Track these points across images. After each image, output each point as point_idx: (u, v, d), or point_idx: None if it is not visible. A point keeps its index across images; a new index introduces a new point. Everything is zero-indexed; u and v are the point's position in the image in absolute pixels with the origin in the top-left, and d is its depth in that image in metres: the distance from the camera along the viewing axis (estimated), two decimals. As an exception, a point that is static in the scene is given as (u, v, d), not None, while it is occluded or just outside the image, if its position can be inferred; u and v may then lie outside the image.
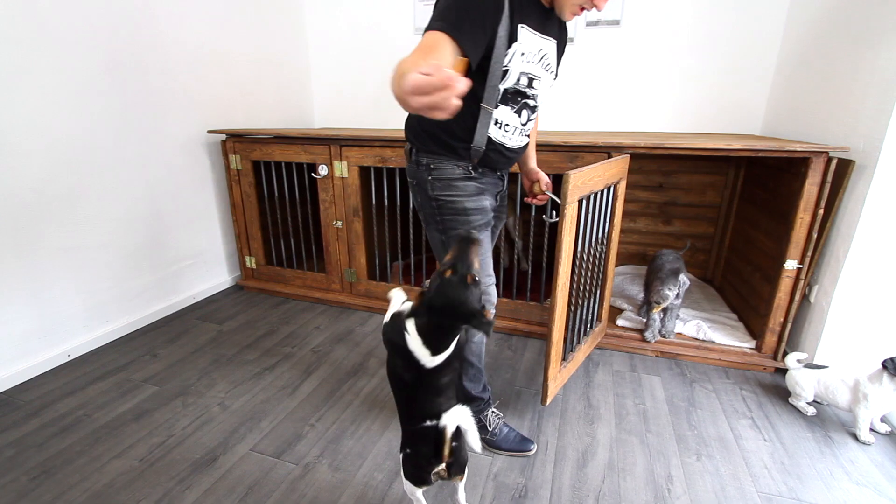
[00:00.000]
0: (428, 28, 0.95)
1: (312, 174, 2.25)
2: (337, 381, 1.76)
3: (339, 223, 2.27)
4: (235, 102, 2.54)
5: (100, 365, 1.84)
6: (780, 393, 1.70)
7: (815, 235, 1.64)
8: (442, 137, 1.16)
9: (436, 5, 1.01)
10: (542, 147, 1.84)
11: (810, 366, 1.61)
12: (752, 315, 1.95)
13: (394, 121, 3.02)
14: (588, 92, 2.61)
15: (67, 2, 1.73)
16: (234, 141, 2.34)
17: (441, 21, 0.95)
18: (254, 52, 2.62)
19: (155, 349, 1.97)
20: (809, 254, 1.66)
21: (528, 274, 2.10)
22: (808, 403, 1.60)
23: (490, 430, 1.41)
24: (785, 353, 1.75)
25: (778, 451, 1.42)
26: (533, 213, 2.01)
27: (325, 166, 2.20)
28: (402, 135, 2.05)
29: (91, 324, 1.95)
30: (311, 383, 1.74)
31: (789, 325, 1.76)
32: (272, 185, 2.42)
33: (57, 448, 1.40)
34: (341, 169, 2.17)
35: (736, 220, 2.34)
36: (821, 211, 1.61)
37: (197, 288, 2.44)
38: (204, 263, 2.47)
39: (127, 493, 1.24)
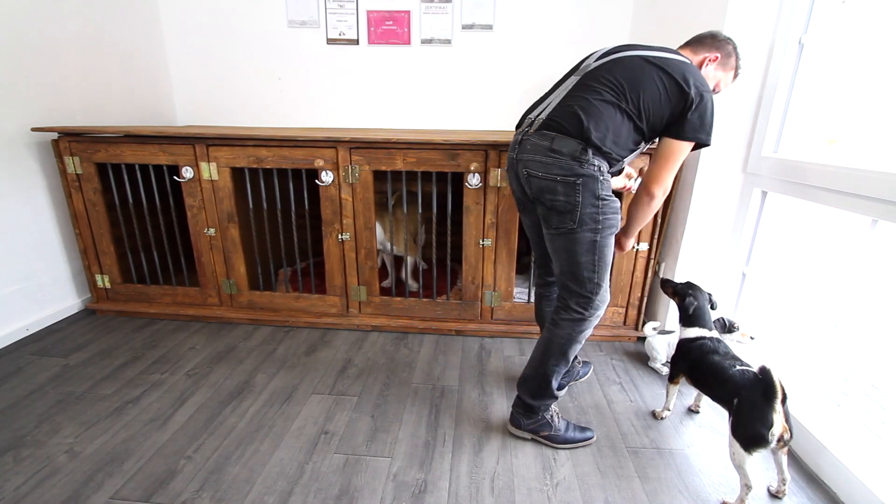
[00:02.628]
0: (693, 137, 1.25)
1: (175, 177, 2.01)
2: (217, 404, 1.60)
3: (212, 231, 2.06)
4: (68, 96, 2.16)
5: None
6: (641, 358, 1.95)
7: (660, 221, 1.90)
8: (616, 150, 1.26)
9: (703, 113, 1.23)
10: (424, 146, 1.87)
11: (662, 332, 1.88)
12: (617, 293, 2.20)
13: (268, 119, 2.84)
14: (466, 93, 2.71)
15: None
16: (70, 140, 1.99)
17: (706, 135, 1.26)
18: (89, 38, 2.25)
19: (-29, 397, 1.60)
20: (656, 236, 1.92)
21: (421, 271, 2.13)
22: (662, 364, 1.86)
23: (553, 425, 1.44)
24: (643, 324, 2.01)
25: (641, 409, 1.62)
26: (420, 211, 2.04)
27: (189, 168, 1.97)
28: (279, 133, 1.95)
29: None
30: (186, 411, 1.56)
31: (645, 299, 2.02)
32: (124, 191, 2.10)
33: None
34: (210, 171, 1.97)
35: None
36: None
37: (31, 317, 2.03)
38: (38, 288, 2.06)
39: (-68, 583, 0.99)
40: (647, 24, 2.29)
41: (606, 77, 1.24)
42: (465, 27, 2.64)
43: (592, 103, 1.22)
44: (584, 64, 1.33)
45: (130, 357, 1.87)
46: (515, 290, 2.14)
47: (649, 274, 1.97)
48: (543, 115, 1.30)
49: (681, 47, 1.39)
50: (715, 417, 1.58)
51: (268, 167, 1.96)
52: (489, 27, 2.63)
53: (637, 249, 1.95)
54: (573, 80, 1.31)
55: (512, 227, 1.96)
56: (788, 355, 1.99)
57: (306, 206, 2.07)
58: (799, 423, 1.41)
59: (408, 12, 2.64)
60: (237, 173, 2.02)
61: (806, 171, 1.46)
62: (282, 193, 2.10)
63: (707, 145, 1.26)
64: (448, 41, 2.67)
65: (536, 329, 2.09)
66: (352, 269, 2.07)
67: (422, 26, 2.65)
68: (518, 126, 1.42)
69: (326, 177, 1.93)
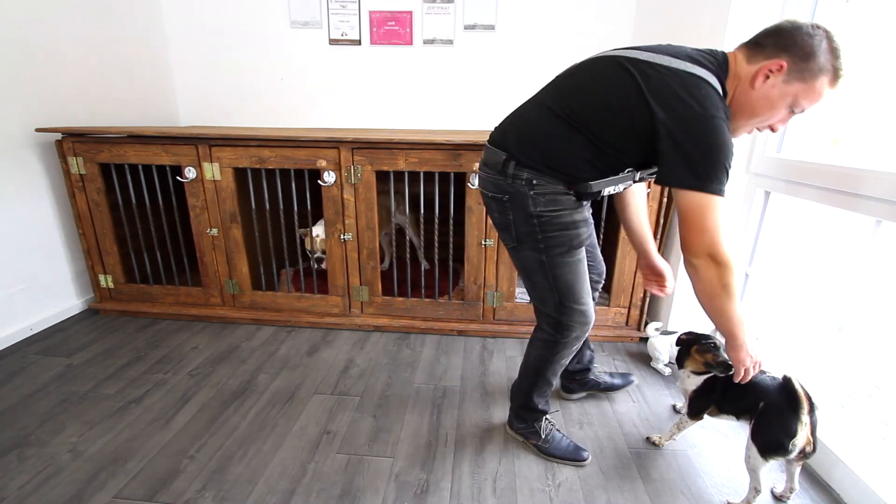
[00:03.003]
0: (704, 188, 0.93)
1: (178, 178, 2.01)
2: (220, 404, 1.60)
3: (215, 231, 2.06)
4: (72, 97, 2.17)
5: None
6: (644, 359, 1.95)
7: (661, 221, 1.90)
8: (563, 169, 1.05)
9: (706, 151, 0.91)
10: (426, 146, 1.87)
11: (665, 332, 1.87)
12: (619, 293, 2.20)
13: (270, 119, 2.84)
14: (468, 93, 2.71)
15: None
16: (74, 141, 2.00)
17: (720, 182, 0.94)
18: (93, 39, 2.26)
19: (-25, 396, 1.61)
20: (659, 237, 1.92)
21: (423, 271, 2.13)
22: (664, 365, 1.85)
23: (543, 436, 1.38)
24: (646, 324, 2.00)
25: (644, 411, 1.62)
26: (422, 212, 2.04)
27: (192, 168, 1.98)
28: (282, 134, 1.95)
29: None
30: (188, 411, 1.56)
31: (648, 300, 2.02)
32: (128, 192, 2.11)
33: None
34: (213, 171, 1.98)
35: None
36: (665, 199, 1.87)
37: (35, 317, 2.04)
38: (42, 287, 2.07)
39: (-64, 581, 0.99)
40: (650, 24, 2.29)
41: (560, 80, 1.09)
42: (467, 27, 2.64)
43: (526, 108, 1.11)
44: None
45: (133, 357, 1.88)
46: (517, 290, 2.14)
47: (652, 274, 1.97)
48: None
49: (738, 48, 1.01)
50: (717, 419, 1.58)
51: (270, 167, 1.97)
52: (491, 27, 2.63)
53: (639, 250, 1.94)
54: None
55: (514, 228, 1.96)
56: (792, 357, 1.98)
57: (308, 207, 2.07)
58: (802, 424, 1.41)
59: (410, 13, 2.64)
60: (240, 173, 2.02)
61: (809, 171, 1.46)
62: (284, 194, 2.10)
63: (717, 194, 0.93)
64: (450, 41, 2.67)
65: (538, 329, 2.08)
66: (354, 270, 2.07)
67: (424, 27, 2.65)
68: None
69: (329, 177, 1.93)
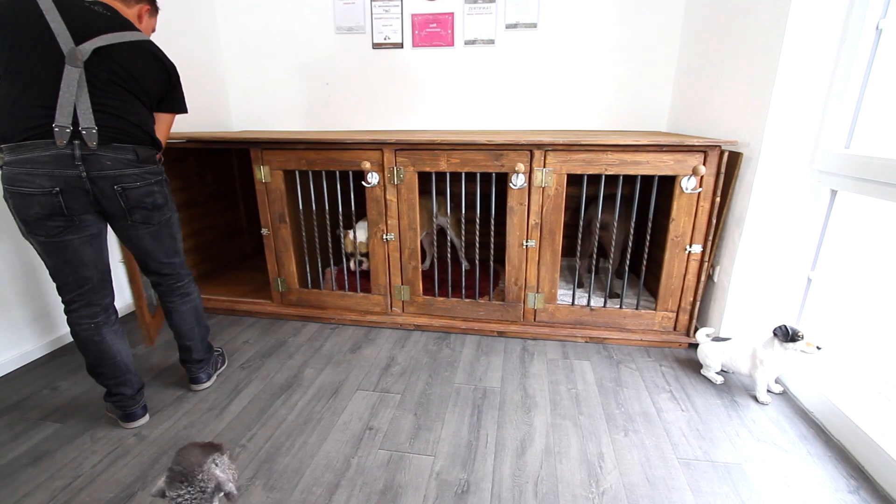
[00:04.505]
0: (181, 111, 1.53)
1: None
2: (269, 396, 1.67)
3: (266, 230, 2.16)
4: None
5: (-15, 406, 1.62)
6: (693, 366, 1.87)
7: (714, 221, 1.81)
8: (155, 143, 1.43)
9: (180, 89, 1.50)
10: (468, 147, 1.87)
11: (717, 339, 1.78)
12: (667, 297, 2.12)
13: (317, 122, 2.94)
14: (509, 92, 2.69)
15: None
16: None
17: None
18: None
19: (55, 381, 1.76)
20: (711, 238, 1.83)
21: (464, 272, 2.13)
22: (716, 373, 1.77)
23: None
24: (696, 330, 1.92)
25: (693, 420, 1.55)
26: (463, 212, 2.04)
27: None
28: (328, 137, 2.01)
29: (-28, 360, 1.71)
30: (240, 402, 1.64)
31: (698, 304, 1.93)
32: (192, 193, 2.24)
33: (-69, 507, 1.21)
34: (263, 173, 2.07)
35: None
36: (717, 199, 1.78)
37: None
38: (115, 279, 2.23)
39: (24, 547, 1.10)
40: (701, 17, 2.18)
41: (114, 71, 1.28)
42: (508, 26, 2.62)
43: (129, 104, 1.32)
44: (63, 51, 1.19)
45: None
46: (559, 292, 2.11)
47: (702, 278, 1.88)
48: (89, 124, 1.22)
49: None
50: (776, 431, 1.49)
51: (317, 169, 2.04)
52: (533, 25, 2.60)
53: (689, 251, 1.87)
54: (73, 73, 1.20)
55: (556, 229, 1.93)
56: (857, 366, 1.83)
57: (352, 207, 2.13)
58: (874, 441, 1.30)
59: (451, 14, 2.66)
60: (288, 175, 2.11)
61: (882, 167, 1.34)
62: (329, 195, 2.17)
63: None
64: (491, 41, 2.66)
65: (581, 332, 2.04)
66: (395, 269, 2.11)
67: (465, 27, 2.66)
68: (27, 136, 1.19)
69: (372, 178, 1.98)
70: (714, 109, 2.03)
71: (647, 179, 2.26)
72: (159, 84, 1.41)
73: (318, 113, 2.92)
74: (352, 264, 2.23)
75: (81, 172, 1.24)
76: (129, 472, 1.32)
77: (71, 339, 1.92)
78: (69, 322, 1.39)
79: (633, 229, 1.98)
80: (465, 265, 2.28)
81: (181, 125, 2.61)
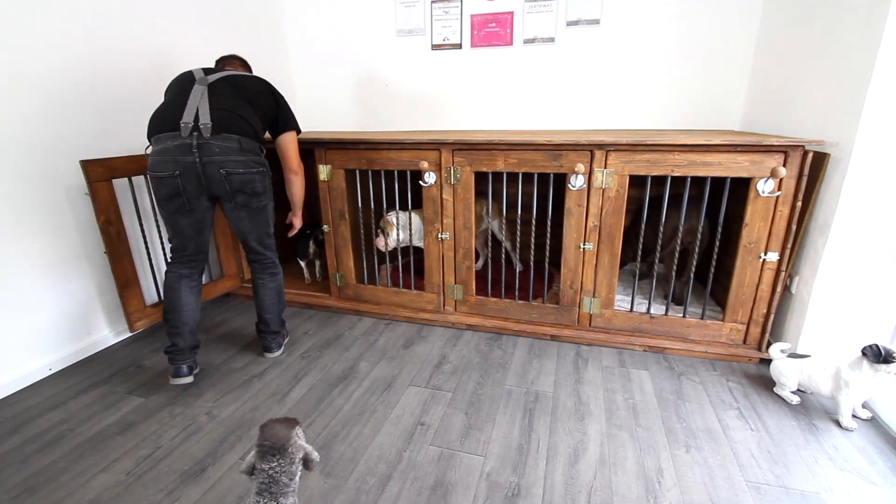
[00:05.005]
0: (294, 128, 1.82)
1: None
2: (327, 386, 1.75)
3: (326, 227, 2.25)
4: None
5: (83, 378, 1.81)
6: (765, 383, 1.73)
7: (793, 227, 1.67)
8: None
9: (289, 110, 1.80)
10: (526, 147, 1.85)
11: (793, 355, 1.65)
12: (737, 308, 1.98)
13: (376, 123, 3.02)
14: (569, 91, 2.63)
15: (44, 5, 1.69)
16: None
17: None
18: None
19: (140, 360, 1.93)
20: (789, 246, 1.69)
21: (518, 273, 2.11)
22: (792, 392, 1.63)
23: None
24: (769, 344, 1.78)
25: (764, 440, 1.44)
26: (519, 213, 2.02)
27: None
28: (387, 137, 2.06)
29: (73, 336, 1.92)
30: (300, 389, 1.73)
31: (772, 316, 1.79)
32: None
33: (40, 465, 1.37)
34: (325, 172, 2.16)
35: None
36: (799, 203, 1.64)
37: (182, 296, 2.40)
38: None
39: (113, 507, 1.22)
40: (783, 7, 2.02)
41: (233, 87, 1.63)
42: (569, 24, 2.56)
43: (244, 108, 1.62)
44: (197, 78, 1.61)
45: (256, 337, 2.12)
46: (617, 297, 2.03)
47: (778, 288, 1.74)
48: (207, 120, 1.53)
49: (227, 65, 1.86)
50: (862, 461, 1.35)
51: (376, 169, 2.10)
52: (596, 22, 2.52)
53: (764, 259, 1.74)
54: (201, 90, 1.58)
55: (616, 232, 1.86)
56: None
57: (409, 207, 2.17)
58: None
59: (511, 13, 2.64)
60: (349, 174, 2.18)
61: None
62: (387, 194, 2.22)
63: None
64: (551, 39, 2.61)
65: (640, 340, 1.96)
66: (449, 268, 2.13)
67: (524, 26, 2.63)
68: (164, 130, 1.55)
69: (429, 178, 2.01)
70: (796, 107, 1.87)
71: (717, 182, 2.13)
72: (267, 101, 1.72)
73: (377, 114, 3.00)
74: (379, 239, 2.28)
75: (196, 159, 1.53)
76: (201, 448, 1.43)
77: (152, 324, 2.11)
78: (166, 271, 1.72)
79: (700, 234, 1.87)
80: (517, 266, 2.25)
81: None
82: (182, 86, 1.60)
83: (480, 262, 2.61)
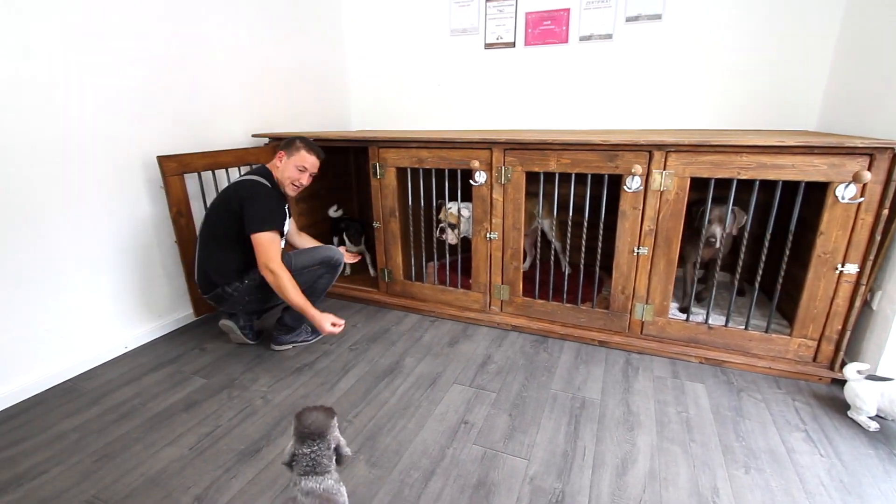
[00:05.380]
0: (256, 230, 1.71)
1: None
2: (373, 378, 1.79)
3: (377, 224, 2.31)
4: (277, 108, 2.63)
5: (153, 357, 1.96)
6: (837, 406, 1.60)
7: (877, 238, 1.53)
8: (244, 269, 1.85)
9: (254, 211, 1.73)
10: (580, 147, 1.81)
11: (873, 377, 1.51)
12: (807, 322, 1.84)
13: (428, 122, 3.05)
14: (627, 90, 2.54)
15: (124, 16, 1.84)
16: (276, 144, 2.42)
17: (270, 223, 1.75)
18: (293, 60, 2.71)
19: (203, 343, 2.07)
20: (871, 257, 1.55)
21: (566, 276, 2.07)
22: (870, 418, 1.49)
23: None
24: (843, 364, 1.64)
25: (836, 468, 1.33)
26: (570, 215, 1.98)
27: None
28: (439, 136, 2.08)
29: (145, 318, 2.08)
30: (348, 380, 1.78)
31: (848, 334, 1.65)
32: (315, 186, 2.48)
33: (116, 434, 1.49)
34: (379, 170, 2.21)
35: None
36: (885, 211, 1.50)
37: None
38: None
39: (179, 479, 1.31)
40: (866, 4, 1.84)
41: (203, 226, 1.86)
42: (629, 19, 2.47)
43: (212, 256, 1.81)
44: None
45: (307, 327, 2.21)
46: (672, 304, 1.94)
47: (857, 303, 1.60)
48: (196, 280, 1.87)
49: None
50: (953, 499, 1.22)
51: (427, 167, 2.12)
52: (657, 17, 2.42)
53: (841, 271, 1.60)
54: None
55: (673, 236, 1.78)
56: None
57: (459, 200, 2.17)
58: None
59: (567, 10, 2.58)
60: (401, 172, 2.22)
61: None
62: (437, 192, 2.24)
63: (276, 230, 1.76)
64: (609, 36, 2.53)
65: (695, 351, 1.87)
66: (497, 268, 2.12)
67: (581, 23, 2.56)
68: None
69: (480, 177, 2.00)
70: (884, 105, 1.70)
71: (788, 186, 1.98)
72: (220, 215, 1.80)
73: (429, 113, 3.04)
74: (437, 231, 2.29)
75: None
76: (256, 430, 1.51)
77: (214, 311, 2.24)
78: None
79: (768, 241, 1.75)
80: (566, 269, 2.20)
81: (308, 126, 2.89)
82: None
83: (528, 263, 2.58)
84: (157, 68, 1.98)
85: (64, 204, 1.73)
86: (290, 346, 2.01)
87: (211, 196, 2.25)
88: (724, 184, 1.71)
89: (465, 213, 2.24)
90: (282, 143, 1.86)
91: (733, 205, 1.77)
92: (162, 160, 1.93)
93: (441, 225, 2.29)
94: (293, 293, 1.72)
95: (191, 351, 2.01)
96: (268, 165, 1.88)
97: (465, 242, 2.29)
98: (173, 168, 1.97)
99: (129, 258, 1.97)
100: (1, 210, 1.56)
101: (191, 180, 2.10)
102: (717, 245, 1.84)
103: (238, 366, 1.89)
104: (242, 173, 1.87)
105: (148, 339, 2.08)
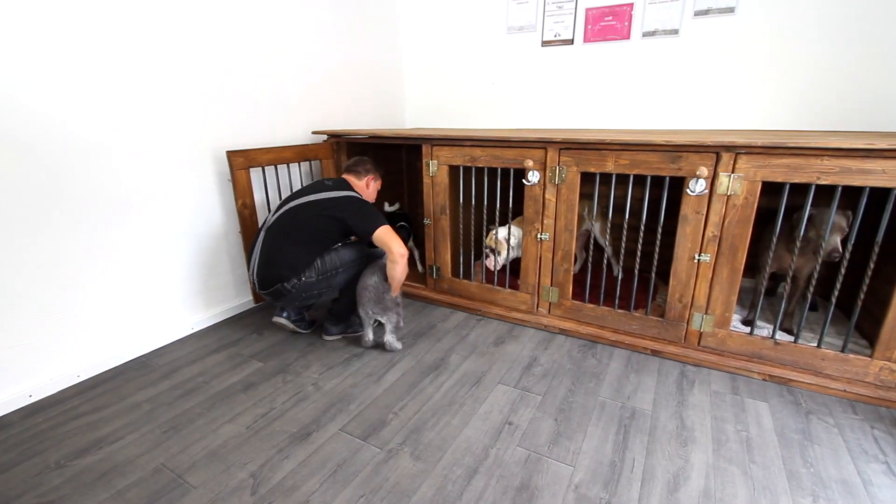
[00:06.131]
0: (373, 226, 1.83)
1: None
2: (419, 373, 1.82)
3: (427, 220, 2.33)
4: (335, 106, 2.73)
5: (216, 339, 2.09)
6: (925, 437, 1.45)
7: None
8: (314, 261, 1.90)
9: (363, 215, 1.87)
10: (640, 147, 1.74)
11: (971, 410, 1.35)
12: (892, 344, 1.67)
13: (481, 121, 3.04)
14: (693, 88, 2.41)
15: (193, 22, 1.98)
16: (333, 140, 2.51)
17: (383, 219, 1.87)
18: (351, 59, 2.79)
19: (261, 329, 2.18)
20: (976, 276, 1.38)
21: (619, 281, 2.00)
22: (965, 454, 1.34)
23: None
24: (935, 392, 1.48)
25: (921, 506, 1.20)
26: (626, 218, 1.91)
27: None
28: (493, 134, 2.07)
29: (210, 302, 2.22)
30: (394, 374, 1.82)
31: (942, 359, 1.48)
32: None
33: (182, 408, 1.61)
34: (432, 167, 2.23)
35: (873, 231, 2.02)
36: None
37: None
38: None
39: (236, 455, 1.40)
40: None
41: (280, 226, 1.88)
42: (697, 13, 2.34)
43: (280, 249, 1.84)
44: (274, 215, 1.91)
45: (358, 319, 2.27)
46: (734, 316, 1.83)
47: (955, 326, 1.44)
48: (255, 278, 1.89)
49: (344, 174, 2.06)
50: None
51: (480, 166, 2.12)
52: (730, 10, 2.27)
53: (937, 290, 1.44)
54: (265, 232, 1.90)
55: (740, 244, 1.68)
56: None
57: (510, 205, 2.16)
58: None
59: (630, 5, 2.49)
60: (453, 170, 2.23)
61: None
62: (489, 191, 2.24)
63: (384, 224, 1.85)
64: (675, 31, 2.41)
65: (759, 367, 1.75)
66: (546, 270, 2.08)
67: (644, 18, 2.46)
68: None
69: (533, 177, 1.98)
70: None
71: (876, 194, 1.81)
72: (322, 223, 1.85)
73: (483, 111, 3.03)
74: (483, 257, 2.28)
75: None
76: (307, 415, 1.58)
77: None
78: None
79: (849, 253, 1.60)
80: (617, 273, 2.12)
81: (364, 123, 2.97)
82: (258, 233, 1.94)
83: (578, 266, 2.52)
84: (229, 69, 2.11)
85: (146, 194, 1.89)
86: (338, 337, 2.08)
87: (273, 188, 2.37)
88: (799, 189, 1.59)
89: (514, 241, 2.22)
90: (371, 169, 2.06)
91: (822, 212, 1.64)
92: (230, 155, 2.05)
93: (486, 250, 2.27)
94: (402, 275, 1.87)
95: (249, 335, 2.12)
96: (350, 182, 2.00)
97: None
98: (240, 163, 2.09)
99: (198, 246, 2.12)
100: (95, 198, 1.73)
101: (255, 174, 2.22)
102: (838, 258, 1.63)
103: (292, 352, 1.98)
104: (326, 184, 1.93)
105: (211, 322, 2.23)
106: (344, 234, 1.91)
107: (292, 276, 1.83)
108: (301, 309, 2.12)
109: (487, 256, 2.27)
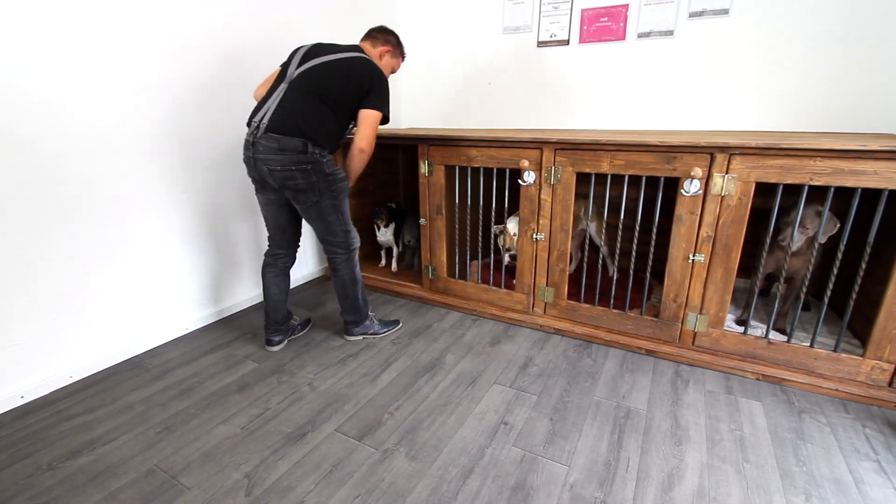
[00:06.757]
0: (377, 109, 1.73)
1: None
2: (415, 373, 1.81)
3: (423, 221, 2.33)
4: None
5: (210, 339, 2.08)
6: (916, 436, 1.46)
7: (975, 254, 1.38)
8: (335, 141, 1.76)
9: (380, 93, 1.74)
10: (635, 148, 1.75)
11: (960, 408, 1.36)
12: (883, 343, 1.69)
13: (476, 121, 3.04)
14: (688, 89, 2.42)
15: (193, 22, 1.96)
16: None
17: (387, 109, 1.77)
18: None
19: (255, 329, 2.17)
20: (966, 276, 1.40)
21: (614, 281, 2.00)
22: (955, 452, 1.36)
23: (376, 327, 2.08)
24: (925, 391, 1.50)
25: (912, 504, 1.22)
26: (621, 218, 1.92)
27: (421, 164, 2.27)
28: (489, 134, 2.08)
29: (204, 302, 2.21)
30: (390, 374, 1.81)
31: (933, 359, 1.50)
32: (362, 183, 2.54)
33: (176, 409, 1.60)
34: (427, 168, 2.23)
35: (865, 232, 2.04)
36: (985, 226, 1.35)
37: (293, 275, 2.65)
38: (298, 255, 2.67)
39: (231, 455, 1.39)
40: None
41: (308, 83, 1.66)
42: (692, 15, 2.35)
43: (304, 106, 1.64)
44: (287, 73, 1.70)
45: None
46: (728, 316, 1.84)
47: (945, 326, 1.46)
48: (266, 120, 1.64)
49: (361, 41, 1.89)
50: None
51: (475, 166, 2.12)
52: (724, 12, 2.29)
53: (928, 290, 1.46)
54: (283, 87, 1.68)
55: (734, 244, 1.69)
56: None
57: (505, 204, 2.16)
58: None
59: (625, 6, 2.49)
60: (449, 171, 2.23)
61: None
62: (485, 191, 2.24)
63: (387, 117, 1.77)
64: (670, 33, 2.42)
65: (752, 367, 1.76)
66: (542, 270, 2.09)
67: (640, 19, 2.47)
68: (248, 126, 1.71)
69: (529, 177, 1.98)
70: None
71: (867, 195, 1.83)
72: (350, 86, 1.69)
73: (479, 112, 3.03)
74: (506, 258, 2.26)
75: (251, 154, 1.68)
76: (302, 415, 1.57)
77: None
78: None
79: (841, 254, 1.62)
80: (612, 273, 2.13)
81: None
82: (275, 83, 1.72)
83: (573, 266, 2.52)
84: (221, 69, 2.10)
85: (141, 194, 1.87)
86: (360, 338, 2.07)
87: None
88: (792, 190, 1.60)
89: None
90: (391, 38, 1.89)
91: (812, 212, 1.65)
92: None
93: (511, 252, 2.22)
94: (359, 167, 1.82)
95: (244, 335, 2.11)
96: (364, 49, 1.83)
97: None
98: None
99: (192, 246, 2.11)
100: (88, 197, 1.71)
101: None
102: (785, 245, 1.70)
103: (287, 352, 1.97)
104: (341, 46, 1.75)
105: (205, 323, 2.21)
106: (355, 110, 1.73)
107: (317, 137, 1.65)
108: (287, 318, 2.02)
109: (502, 253, 2.24)
